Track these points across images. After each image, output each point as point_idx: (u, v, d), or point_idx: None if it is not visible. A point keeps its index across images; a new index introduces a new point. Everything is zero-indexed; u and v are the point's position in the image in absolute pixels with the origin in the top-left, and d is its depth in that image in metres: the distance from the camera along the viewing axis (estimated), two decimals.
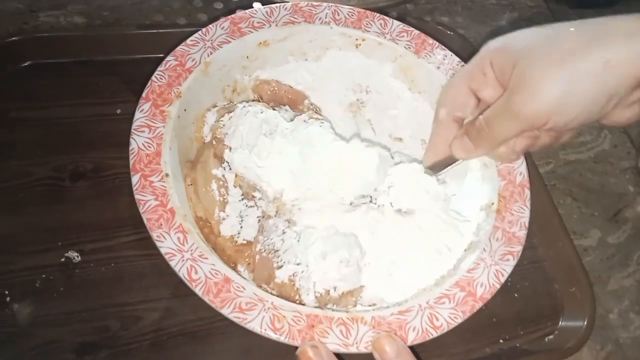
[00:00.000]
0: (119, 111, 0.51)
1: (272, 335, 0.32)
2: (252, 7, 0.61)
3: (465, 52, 0.62)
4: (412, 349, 0.34)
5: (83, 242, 0.44)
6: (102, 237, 0.44)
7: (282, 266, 0.38)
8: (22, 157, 0.47)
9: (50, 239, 0.43)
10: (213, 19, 0.60)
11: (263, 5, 0.61)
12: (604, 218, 0.58)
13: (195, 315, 0.42)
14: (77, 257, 0.43)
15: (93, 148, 0.48)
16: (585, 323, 0.48)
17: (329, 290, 0.38)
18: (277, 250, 0.38)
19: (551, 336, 0.48)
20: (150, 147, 0.37)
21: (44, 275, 0.42)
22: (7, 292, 0.40)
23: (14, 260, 0.42)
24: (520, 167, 0.42)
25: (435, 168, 0.41)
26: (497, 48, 0.34)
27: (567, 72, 0.29)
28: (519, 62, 0.31)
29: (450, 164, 0.41)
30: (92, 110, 0.51)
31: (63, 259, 0.43)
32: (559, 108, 0.30)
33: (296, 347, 0.32)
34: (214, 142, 0.42)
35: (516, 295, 0.49)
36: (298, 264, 0.38)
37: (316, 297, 0.38)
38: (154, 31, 0.56)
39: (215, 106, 0.45)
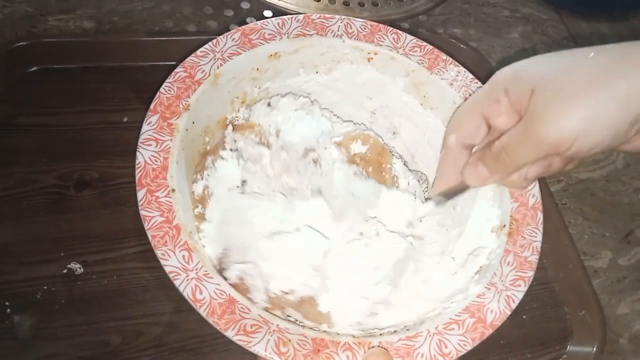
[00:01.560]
0: (125, 119, 0.50)
1: None
2: (262, 15, 0.61)
3: (478, 66, 0.62)
4: None
5: (86, 253, 0.43)
6: (105, 249, 0.44)
7: (225, 268, 0.37)
8: (27, 164, 0.46)
9: (53, 249, 0.43)
10: (223, 27, 0.60)
11: (274, 14, 0.61)
12: (615, 239, 0.56)
13: (198, 331, 0.42)
14: (80, 268, 0.42)
15: (99, 156, 0.48)
16: (595, 348, 0.47)
17: (286, 293, 0.37)
18: (225, 249, 0.37)
19: None
20: (157, 161, 0.36)
21: (45, 287, 0.41)
22: (7, 304, 0.40)
23: (15, 271, 0.41)
24: (533, 190, 0.41)
25: (446, 195, 0.41)
26: (512, 74, 0.33)
27: (592, 98, 0.29)
28: (539, 88, 0.31)
29: (460, 191, 0.40)
30: (99, 118, 0.50)
31: (65, 270, 0.42)
32: (584, 132, 0.30)
33: None
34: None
35: (524, 317, 0.49)
36: (244, 263, 0.37)
37: (269, 296, 0.37)
38: (164, 38, 0.56)
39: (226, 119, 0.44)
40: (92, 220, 0.45)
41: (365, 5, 0.60)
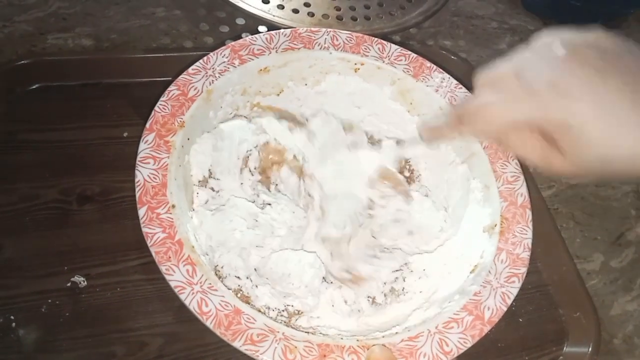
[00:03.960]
0: (126, 134, 0.51)
1: None
2: (257, 31, 0.62)
3: (468, 76, 0.63)
4: None
5: (89, 267, 0.44)
6: (108, 262, 0.44)
7: (225, 277, 0.39)
8: (29, 180, 0.47)
9: (56, 263, 0.43)
10: (219, 42, 0.61)
11: (268, 29, 0.62)
12: (606, 242, 0.58)
13: (201, 341, 0.42)
14: (84, 281, 0.43)
15: (100, 171, 0.49)
16: (590, 349, 0.48)
17: (284, 309, 0.39)
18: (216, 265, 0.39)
19: None
20: (155, 179, 0.37)
21: (50, 300, 0.42)
22: (12, 317, 0.40)
23: (20, 285, 0.42)
24: (521, 189, 0.42)
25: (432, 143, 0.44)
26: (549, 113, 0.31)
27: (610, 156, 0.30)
28: (573, 133, 0.30)
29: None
30: (100, 133, 0.51)
31: (69, 284, 0.43)
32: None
33: None
34: None
35: (521, 320, 0.49)
36: (238, 277, 0.39)
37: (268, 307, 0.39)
38: (161, 55, 0.57)
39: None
40: (94, 234, 0.45)
41: (358, 20, 0.62)
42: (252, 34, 0.62)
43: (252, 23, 0.63)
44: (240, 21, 0.64)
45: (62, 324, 0.41)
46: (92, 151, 0.50)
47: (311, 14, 0.61)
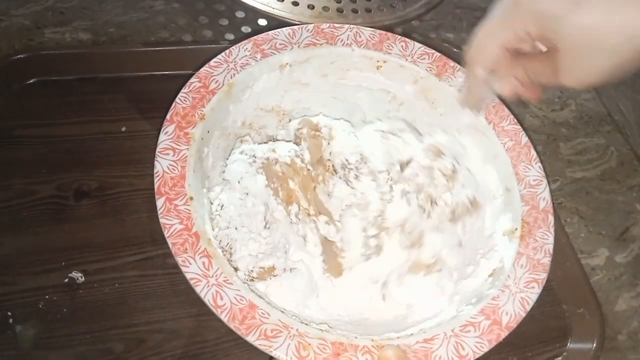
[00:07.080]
0: (124, 129, 0.51)
1: None
2: (257, 24, 0.62)
3: None
4: None
5: (87, 262, 0.43)
6: (106, 257, 0.44)
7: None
8: (26, 176, 0.47)
9: (54, 259, 0.43)
10: (219, 36, 0.61)
11: (268, 22, 0.61)
12: (611, 237, 0.57)
13: (199, 337, 0.42)
14: (81, 277, 0.42)
15: (98, 166, 0.48)
16: (595, 345, 0.47)
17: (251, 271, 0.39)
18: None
19: (559, 358, 0.48)
20: (174, 170, 0.37)
21: (47, 296, 0.41)
22: (9, 314, 0.40)
23: (17, 281, 0.42)
24: (544, 193, 0.42)
25: (474, 109, 0.44)
26: (532, 12, 0.34)
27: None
28: (562, 41, 0.33)
29: (486, 103, 0.44)
30: (97, 128, 0.51)
31: (67, 280, 0.42)
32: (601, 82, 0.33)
33: None
34: None
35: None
36: (227, 228, 0.40)
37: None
38: (160, 48, 0.56)
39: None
40: (91, 230, 0.45)
41: (359, 12, 0.61)
42: (252, 28, 0.62)
43: (253, 16, 0.63)
44: (239, 14, 0.63)
45: (60, 321, 0.41)
46: (90, 146, 0.49)
47: (311, 7, 0.60)
